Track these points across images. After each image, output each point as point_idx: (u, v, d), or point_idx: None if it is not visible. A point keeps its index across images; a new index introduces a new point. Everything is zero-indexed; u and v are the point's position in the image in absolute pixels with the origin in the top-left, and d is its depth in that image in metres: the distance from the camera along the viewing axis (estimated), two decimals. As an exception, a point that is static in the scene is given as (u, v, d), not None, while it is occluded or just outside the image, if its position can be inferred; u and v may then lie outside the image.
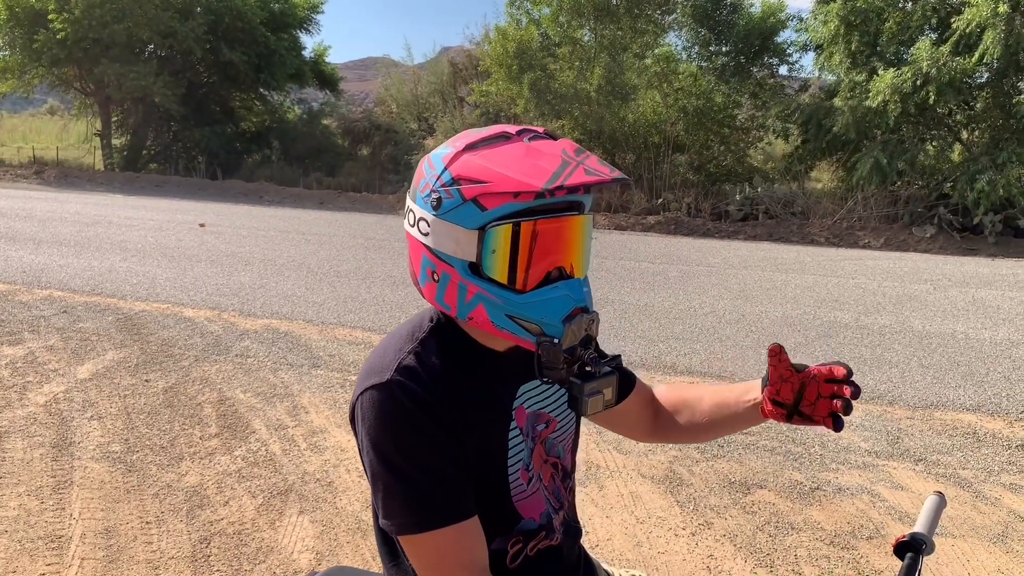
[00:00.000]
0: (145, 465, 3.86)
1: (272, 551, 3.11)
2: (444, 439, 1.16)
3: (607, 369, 1.17)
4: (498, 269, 1.12)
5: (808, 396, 1.30)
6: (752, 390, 1.38)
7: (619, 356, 1.22)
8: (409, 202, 1.21)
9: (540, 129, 1.18)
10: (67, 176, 24.05)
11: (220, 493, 3.60)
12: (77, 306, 7.14)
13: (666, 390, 1.55)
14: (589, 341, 1.15)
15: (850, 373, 1.28)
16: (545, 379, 1.15)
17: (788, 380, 1.30)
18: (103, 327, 6.44)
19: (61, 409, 4.58)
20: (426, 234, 1.16)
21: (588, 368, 1.15)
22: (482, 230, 1.11)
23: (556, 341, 1.12)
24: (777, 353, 1.29)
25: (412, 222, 1.20)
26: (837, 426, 1.28)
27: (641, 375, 5.61)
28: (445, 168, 1.14)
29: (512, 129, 1.16)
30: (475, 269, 1.13)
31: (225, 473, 3.81)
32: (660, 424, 1.53)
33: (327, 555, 3.11)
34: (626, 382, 1.49)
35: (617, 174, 1.10)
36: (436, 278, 1.18)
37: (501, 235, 1.11)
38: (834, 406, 1.27)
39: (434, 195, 1.14)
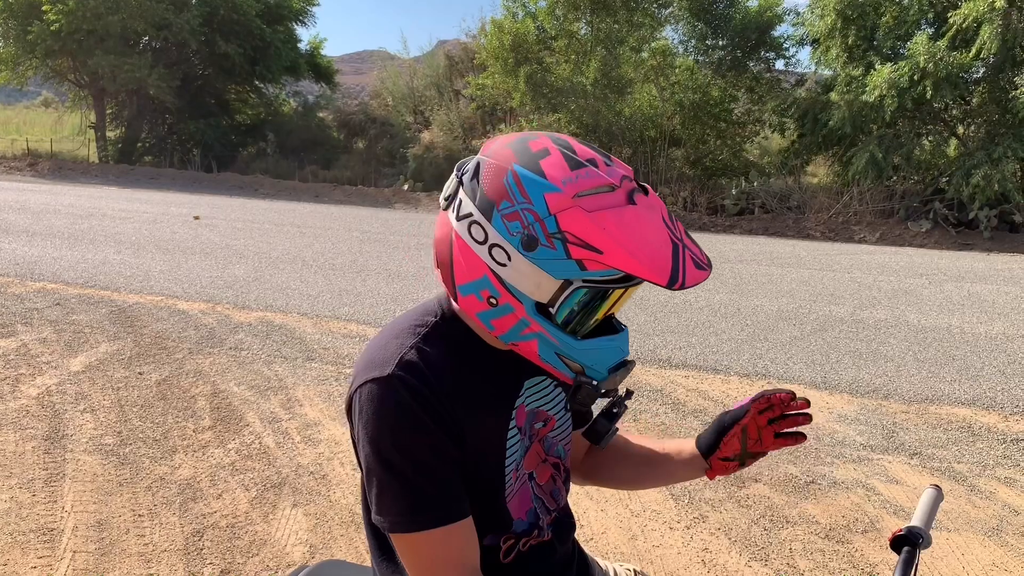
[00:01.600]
0: (138, 458, 3.84)
1: (265, 544, 3.10)
2: (443, 438, 1.14)
3: (625, 407, 1.27)
4: (569, 318, 1.13)
5: (751, 435, 1.36)
6: (687, 452, 1.44)
7: (632, 392, 1.30)
8: (473, 209, 1.10)
9: (630, 171, 1.13)
10: (61, 168, 23.96)
11: (213, 486, 3.58)
12: (70, 298, 7.11)
13: (624, 448, 1.58)
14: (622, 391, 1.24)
15: (791, 397, 1.34)
16: (575, 408, 1.24)
17: (732, 437, 1.38)
18: (96, 319, 6.41)
19: (54, 401, 4.56)
20: (502, 264, 1.09)
21: (615, 410, 1.25)
22: (568, 282, 1.08)
23: (595, 383, 1.17)
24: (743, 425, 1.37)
25: (481, 240, 1.10)
26: (798, 438, 1.35)
27: (636, 368, 5.60)
28: (551, 214, 1.05)
29: (614, 176, 1.09)
30: (542, 309, 1.11)
31: (218, 466, 3.79)
32: (589, 463, 1.57)
33: (320, 548, 3.09)
34: None
35: (710, 265, 1.13)
36: (494, 303, 1.12)
37: (588, 294, 1.11)
38: (779, 428, 1.35)
39: (526, 232, 1.06)
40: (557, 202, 1.05)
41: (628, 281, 1.09)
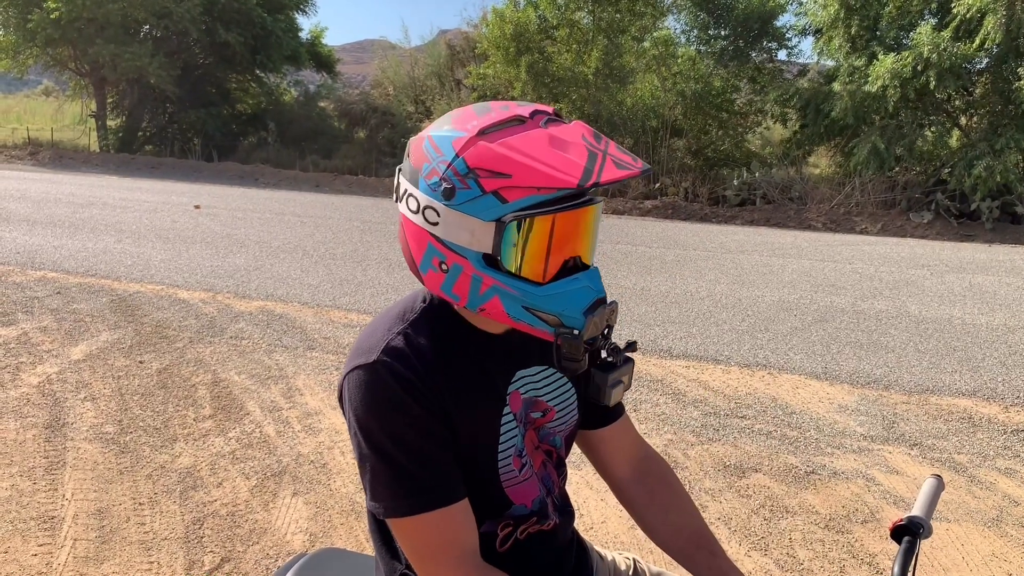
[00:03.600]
0: (138, 446, 3.85)
1: (266, 532, 3.10)
2: (431, 421, 1.14)
3: (625, 356, 1.16)
4: (516, 262, 1.08)
5: None
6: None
7: (635, 342, 1.20)
8: (407, 185, 1.13)
9: (550, 109, 1.12)
10: (62, 157, 23.92)
11: (214, 474, 3.58)
12: (71, 287, 7.11)
13: (667, 476, 1.47)
14: (609, 331, 1.13)
15: None
16: (566, 370, 1.12)
17: None
18: (97, 308, 6.41)
19: (54, 390, 4.56)
20: (435, 223, 1.10)
21: (609, 359, 1.15)
22: (500, 222, 1.05)
23: (576, 332, 1.09)
24: None
25: (415, 208, 1.12)
26: None
27: (636, 358, 5.60)
28: (458, 155, 1.06)
29: (524, 111, 1.10)
30: (490, 260, 1.09)
31: (219, 454, 3.79)
32: (635, 491, 1.45)
33: (321, 536, 3.10)
34: (611, 409, 1.44)
35: (642, 164, 1.06)
36: (445, 268, 1.12)
37: (523, 228, 1.06)
38: None
39: (445, 184, 1.07)
40: (463, 143, 1.07)
41: (559, 204, 1.07)
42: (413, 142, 1.14)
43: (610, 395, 1.14)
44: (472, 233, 1.07)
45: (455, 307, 1.22)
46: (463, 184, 1.06)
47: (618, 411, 1.46)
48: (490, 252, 1.08)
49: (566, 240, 1.11)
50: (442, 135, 1.10)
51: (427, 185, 1.09)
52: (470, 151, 1.06)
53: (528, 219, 1.06)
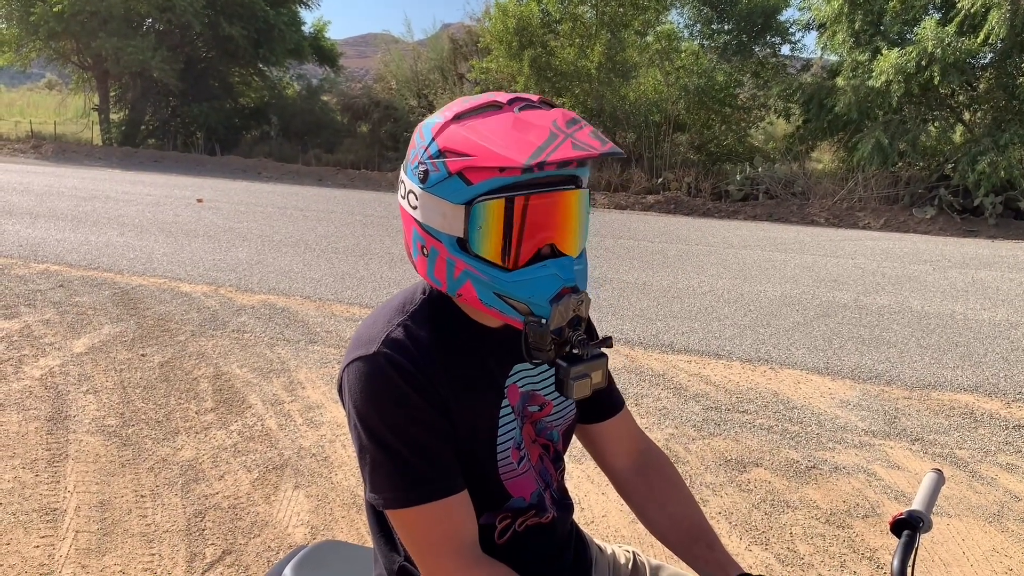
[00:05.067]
0: (140, 439, 3.86)
1: (267, 525, 3.11)
2: (431, 413, 1.14)
3: (596, 351, 1.13)
4: (485, 246, 1.08)
5: None
6: (727, 568, 1.31)
7: (609, 338, 1.17)
8: (402, 173, 1.18)
9: (535, 98, 1.12)
10: (65, 151, 23.93)
11: (215, 467, 3.59)
12: (74, 280, 7.12)
13: (666, 469, 1.47)
14: (578, 322, 1.11)
15: None
16: (533, 360, 1.11)
17: None
18: (99, 301, 6.42)
19: (57, 383, 4.57)
20: (415, 207, 1.13)
21: (576, 351, 1.11)
22: (468, 205, 1.06)
23: (543, 322, 1.08)
24: None
25: (403, 194, 1.17)
26: None
27: (639, 353, 5.59)
28: (433, 139, 1.09)
29: (503, 98, 1.11)
30: (463, 245, 1.10)
31: (221, 447, 3.80)
32: (634, 482, 1.45)
33: (322, 529, 3.11)
34: (610, 403, 1.45)
35: (608, 147, 1.04)
36: (426, 252, 1.14)
37: (487, 211, 1.06)
38: None
39: (422, 167, 1.10)
40: (439, 128, 1.09)
41: (525, 188, 1.06)
42: (413, 133, 1.18)
43: (572, 388, 1.10)
44: (444, 216, 1.09)
45: (453, 299, 1.22)
46: (434, 167, 1.08)
47: (618, 405, 1.46)
48: (461, 236, 1.09)
49: (537, 226, 1.09)
50: (428, 122, 1.14)
51: (411, 169, 1.14)
52: (442, 134, 1.09)
53: (492, 202, 1.06)
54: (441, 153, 1.07)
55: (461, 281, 1.12)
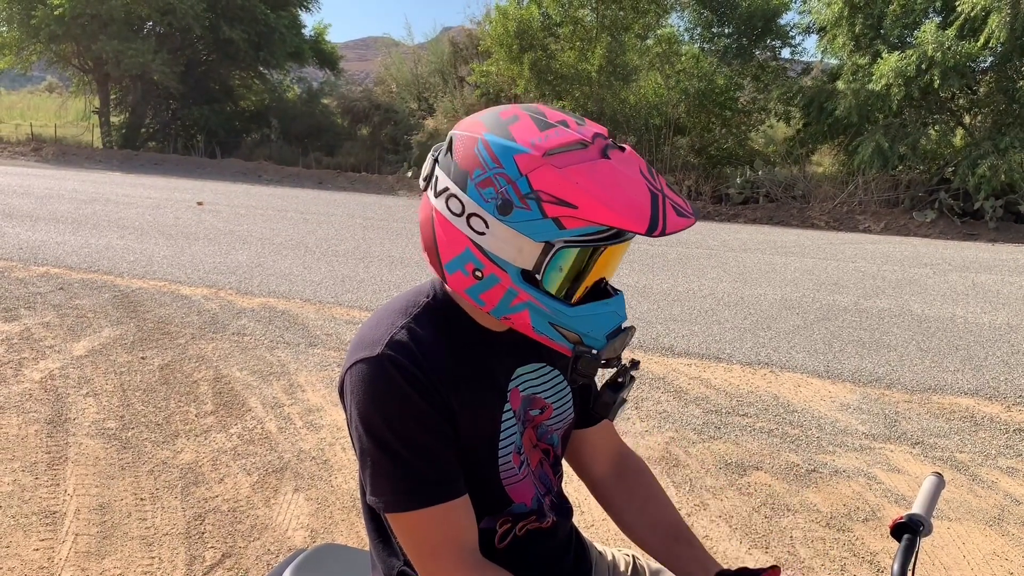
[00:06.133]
0: (140, 442, 3.85)
1: (267, 528, 3.11)
2: (434, 416, 1.14)
3: (631, 376, 1.21)
4: (557, 284, 1.10)
5: None
6: (708, 565, 1.33)
7: (638, 361, 1.23)
8: (448, 183, 1.10)
9: (604, 131, 1.11)
10: (65, 153, 23.96)
11: (215, 470, 3.59)
12: (74, 283, 7.12)
13: (643, 474, 1.49)
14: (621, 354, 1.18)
15: None
16: (576, 383, 1.18)
17: None
18: (99, 304, 6.42)
19: (56, 385, 4.57)
20: (481, 233, 1.08)
21: (620, 380, 1.19)
22: (548, 243, 1.06)
23: (595, 352, 1.13)
24: None
25: (458, 211, 1.09)
26: None
27: (639, 356, 5.59)
28: (521, 174, 1.04)
29: (584, 133, 1.07)
30: (528, 276, 1.09)
31: (220, 450, 3.80)
32: (612, 488, 1.48)
33: (322, 532, 3.10)
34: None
35: (693, 214, 1.10)
36: (479, 276, 1.11)
37: (572, 255, 1.08)
38: None
39: (501, 197, 1.05)
40: (528, 162, 1.04)
41: (611, 238, 1.07)
42: (461, 139, 1.11)
43: (615, 413, 1.19)
44: (520, 251, 1.07)
45: (458, 302, 1.22)
46: (523, 204, 1.04)
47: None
48: (530, 269, 1.08)
49: (603, 267, 1.14)
50: (502, 144, 1.07)
51: (478, 192, 1.07)
52: (535, 172, 1.04)
53: (579, 250, 1.08)
54: (534, 192, 1.04)
55: (517, 309, 1.12)
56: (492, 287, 1.11)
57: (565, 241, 1.05)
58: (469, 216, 1.08)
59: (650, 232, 1.01)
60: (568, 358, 1.15)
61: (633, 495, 1.46)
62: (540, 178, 1.03)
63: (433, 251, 1.16)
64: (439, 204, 1.12)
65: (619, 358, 1.18)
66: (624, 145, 1.11)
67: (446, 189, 1.10)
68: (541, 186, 1.03)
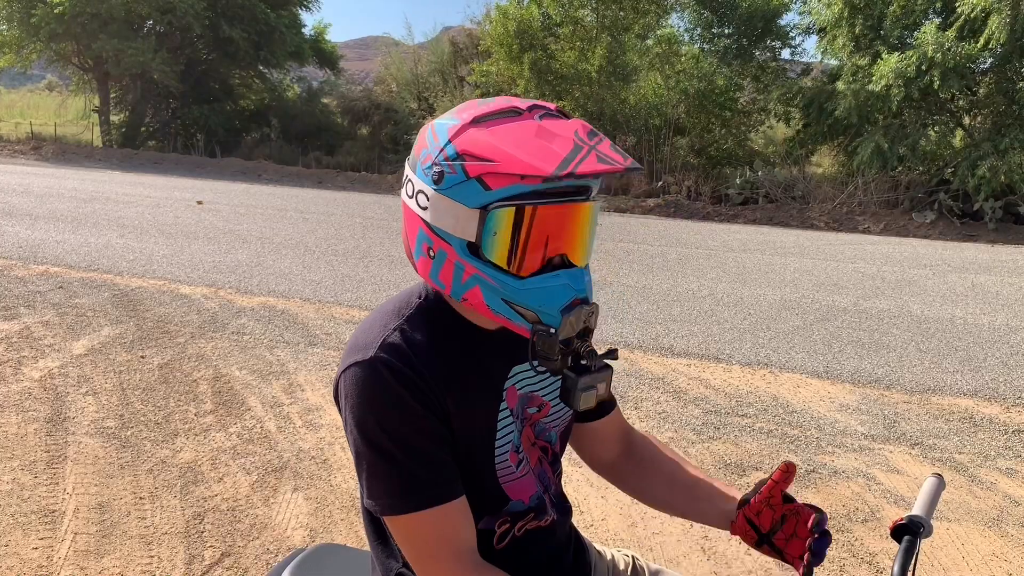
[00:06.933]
0: (139, 441, 3.85)
1: (266, 528, 3.11)
2: (429, 418, 1.13)
3: (603, 363, 1.12)
4: (498, 252, 1.07)
5: (786, 530, 1.25)
6: (730, 500, 1.34)
7: (615, 350, 1.17)
8: (408, 171, 1.15)
9: (552, 106, 1.12)
10: (65, 152, 23.95)
11: (214, 469, 3.59)
12: (73, 282, 7.11)
13: (648, 442, 1.50)
14: (587, 333, 1.11)
15: (823, 521, 1.22)
16: (539, 369, 1.12)
17: (773, 507, 1.25)
18: (99, 303, 6.41)
19: (56, 384, 4.56)
20: (424, 208, 1.10)
21: (584, 361, 1.11)
22: (484, 210, 1.05)
23: (552, 331, 1.07)
24: (785, 473, 1.23)
25: (411, 193, 1.14)
26: (806, 573, 1.18)
27: (638, 356, 5.59)
28: (449, 141, 1.07)
29: (522, 104, 1.10)
30: (473, 249, 1.08)
31: (220, 450, 3.80)
32: (624, 467, 1.49)
33: (321, 532, 3.10)
34: (608, 403, 1.46)
35: (630, 162, 1.04)
36: (432, 254, 1.12)
37: (504, 217, 1.05)
38: (808, 549, 1.19)
39: (436, 168, 1.08)
40: (457, 130, 1.08)
41: (539, 195, 1.05)
42: (421, 131, 1.15)
43: (579, 399, 1.09)
44: (456, 219, 1.08)
45: (449, 301, 1.22)
46: (451, 169, 1.07)
47: (611, 403, 1.47)
48: (473, 240, 1.08)
49: (550, 235, 1.09)
50: (442, 123, 1.11)
51: (422, 169, 1.11)
52: (461, 137, 1.07)
53: (510, 209, 1.05)
54: (460, 156, 1.06)
55: (469, 286, 1.11)
56: (443, 264, 1.12)
57: (496, 204, 1.05)
58: (416, 194, 1.12)
59: (557, 172, 0.99)
60: None
61: (645, 471, 1.46)
62: (464, 140, 1.06)
63: (407, 244, 1.19)
64: (404, 196, 1.17)
65: (588, 341, 1.11)
66: (571, 115, 1.12)
67: (407, 178, 1.16)
68: (464, 148, 1.06)
